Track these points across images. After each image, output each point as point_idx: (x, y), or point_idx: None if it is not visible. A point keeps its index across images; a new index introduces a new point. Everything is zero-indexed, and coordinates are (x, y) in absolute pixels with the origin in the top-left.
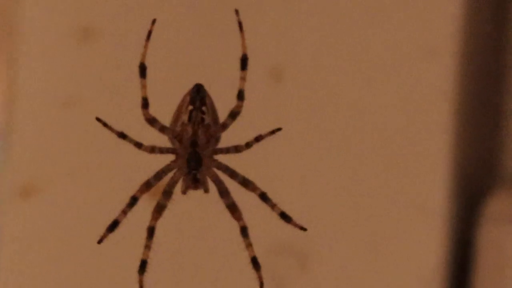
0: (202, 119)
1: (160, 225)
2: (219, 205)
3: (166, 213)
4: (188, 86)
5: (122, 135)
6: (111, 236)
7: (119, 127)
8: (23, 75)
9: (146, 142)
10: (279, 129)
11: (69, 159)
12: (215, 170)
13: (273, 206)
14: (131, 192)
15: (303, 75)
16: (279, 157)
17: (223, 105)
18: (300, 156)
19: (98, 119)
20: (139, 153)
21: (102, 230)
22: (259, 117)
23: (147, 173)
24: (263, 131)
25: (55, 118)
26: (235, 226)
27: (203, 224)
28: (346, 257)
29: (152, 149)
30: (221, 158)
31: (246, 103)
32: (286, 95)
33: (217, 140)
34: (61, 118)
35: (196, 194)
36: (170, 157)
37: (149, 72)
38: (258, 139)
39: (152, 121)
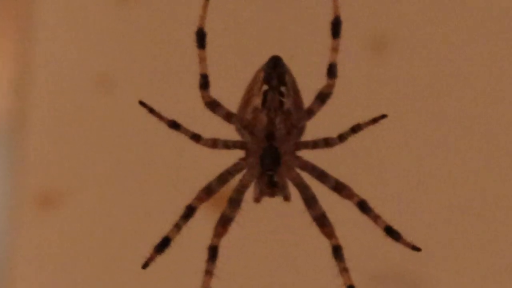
0: (281, 103)
1: (225, 243)
2: (304, 217)
3: (232, 228)
4: (262, 59)
5: (174, 125)
6: (160, 258)
7: (168, 115)
8: (40, 51)
9: (205, 134)
10: (383, 116)
11: (100, 158)
12: (299, 170)
13: (376, 218)
14: (186, 200)
15: (413, 46)
16: (383, 153)
17: (308, 85)
18: (410, 152)
19: (142, 103)
20: (197, 149)
21: (144, 249)
22: (357, 100)
23: (207, 175)
24: (361, 119)
25: (82, 105)
26: (325, 245)
27: (282, 244)
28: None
29: (215, 143)
30: (306, 155)
31: (339, 81)
32: (391, 72)
33: (301, 131)
34: (90, 105)
35: (272, 203)
36: (239, 154)
37: (209, 41)
38: (355, 129)
39: (213, 105)
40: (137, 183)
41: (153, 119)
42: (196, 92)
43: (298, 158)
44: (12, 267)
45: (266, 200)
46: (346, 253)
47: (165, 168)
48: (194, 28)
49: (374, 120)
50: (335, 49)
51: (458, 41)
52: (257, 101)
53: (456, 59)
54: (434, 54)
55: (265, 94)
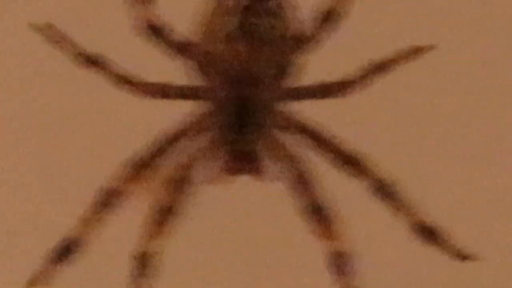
0: (266, 26)
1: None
2: (290, 207)
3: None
4: None
5: (92, 59)
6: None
7: (86, 46)
8: None
9: (148, 76)
10: (432, 47)
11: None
12: (284, 135)
13: (398, 207)
14: (103, 180)
15: None
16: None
17: None
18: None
19: (33, 26)
20: (124, 97)
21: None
22: (386, 22)
23: (138, 141)
24: (396, 47)
25: None
26: (317, 249)
27: (260, 241)
28: None
29: (158, 90)
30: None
31: None
32: None
33: (292, 70)
34: None
35: (239, 185)
36: (191, 108)
37: None
38: (384, 66)
39: (157, 30)
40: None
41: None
42: (126, 13)
43: (286, 116)
44: None
45: (229, 180)
46: (349, 259)
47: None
48: None
49: (417, 51)
50: None
51: None
52: (229, 23)
53: None
54: None
55: (244, 12)
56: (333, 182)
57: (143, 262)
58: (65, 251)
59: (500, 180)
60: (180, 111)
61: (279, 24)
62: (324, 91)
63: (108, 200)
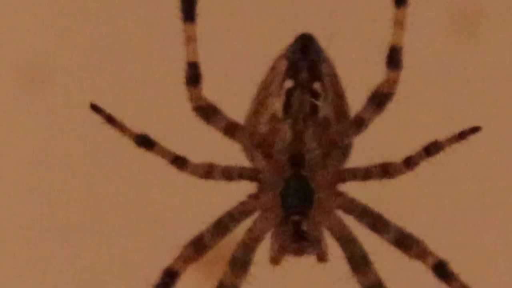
0: (314, 108)
1: None
2: (347, 284)
3: None
4: (284, 40)
5: (145, 141)
6: None
7: (133, 124)
8: None
9: (194, 156)
10: (476, 129)
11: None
12: (340, 214)
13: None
14: (163, 261)
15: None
16: (474, 188)
17: (357, 80)
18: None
19: (94, 108)
20: (181, 178)
21: None
22: (433, 102)
23: (198, 220)
24: (441, 133)
25: (13, 103)
26: None
27: None
28: None
29: (210, 171)
30: (351, 190)
31: (406, 74)
32: (481, 61)
33: (345, 152)
34: (15, 101)
35: (299, 265)
36: (248, 188)
37: (202, 15)
38: (431, 149)
39: (207, 110)
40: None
41: (107, 129)
42: (179, 91)
43: (340, 195)
44: None
45: (288, 259)
46: None
47: (134, 205)
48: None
49: (462, 135)
50: (399, 24)
51: None
52: (276, 105)
53: None
54: None
55: (289, 94)
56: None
57: None
58: None
59: None
60: (243, 192)
61: (327, 104)
62: (380, 172)
63: (168, 280)
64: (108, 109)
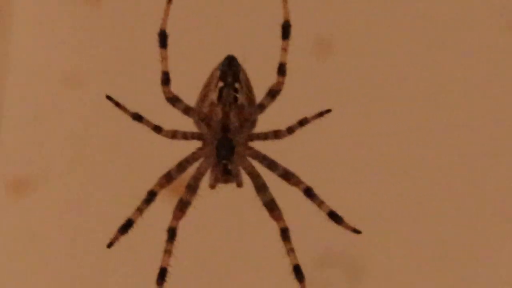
0: (235, 99)
1: (182, 226)
2: (255, 202)
3: (190, 212)
4: (218, 58)
5: (138, 117)
6: (123, 238)
7: (132, 108)
8: (12, 48)
9: (166, 126)
10: (328, 111)
11: (70, 148)
12: (250, 160)
13: (320, 203)
14: (147, 186)
15: (357, 46)
16: (328, 144)
17: (260, 82)
18: (353, 143)
19: (108, 98)
20: (157, 140)
21: (110, 231)
22: (304, 96)
23: (167, 164)
24: (308, 113)
25: (53, 98)
26: (274, 228)
27: (234, 226)
28: (410, 271)
29: (174, 134)
30: (257, 145)
31: (288, 79)
32: (337, 71)
33: (253, 124)
34: (60, 98)
35: (226, 189)
36: (196, 144)
37: (171, 41)
38: (302, 122)
39: (174, 100)
40: (103, 172)
41: (119, 112)
42: (158, 88)
43: (250, 148)
44: None
45: (220, 186)
46: (293, 235)
47: (129, 157)
48: (157, 29)
49: (320, 114)
50: (284, 49)
51: (402, 43)
52: (213, 96)
53: (397, 59)
54: (377, 54)
55: (221, 90)
56: (280, 185)
57: (171, 234)
58: (127, 227)
59: None
60: (190, 148)
61: (242, 96)
62: (273, 135)
63: (150, 197)
64: (123, 102)
